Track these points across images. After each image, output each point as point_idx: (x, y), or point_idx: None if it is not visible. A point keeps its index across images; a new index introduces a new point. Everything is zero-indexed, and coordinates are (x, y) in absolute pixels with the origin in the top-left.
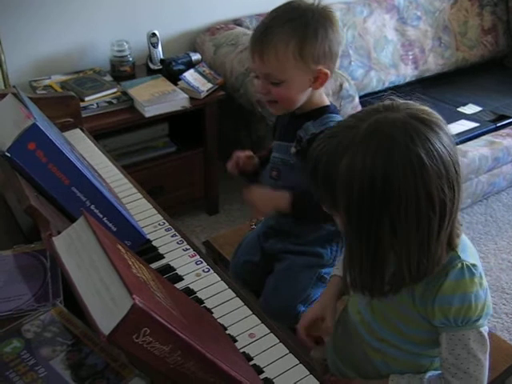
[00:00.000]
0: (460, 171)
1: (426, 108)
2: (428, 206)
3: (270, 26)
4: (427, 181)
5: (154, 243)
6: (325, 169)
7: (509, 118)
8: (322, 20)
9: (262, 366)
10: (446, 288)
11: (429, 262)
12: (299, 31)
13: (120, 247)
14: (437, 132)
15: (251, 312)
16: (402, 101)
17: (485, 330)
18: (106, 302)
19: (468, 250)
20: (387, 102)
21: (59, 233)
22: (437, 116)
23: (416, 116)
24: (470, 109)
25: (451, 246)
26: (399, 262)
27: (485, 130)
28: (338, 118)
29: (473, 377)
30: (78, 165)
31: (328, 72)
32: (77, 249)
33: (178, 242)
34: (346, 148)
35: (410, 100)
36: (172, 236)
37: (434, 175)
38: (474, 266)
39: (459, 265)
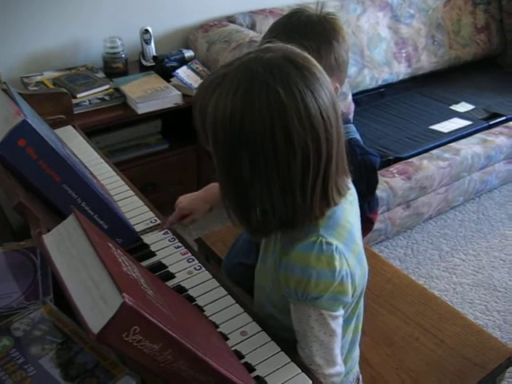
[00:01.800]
0: (333, 124)
1: (306, 55)
2: (287, 150)
3: None
4: (285, 122)
5: (145, 241)
6: (200, 107)
7: (501, 116)
8: (324, 33)
9: (253, 364)
10: (292, 256)
11: (297, 211)
12: None
13: (110, 245)
14: (305, 76)
15: (243, 310)
16: (282, 44)
17: (329, 315)
18: (95, 300)
19: (336, 229)
20: (269, 44)
21: (49, 230)
22: (314, 63)
23: (289, 58)
24: (463, 107)
25: (329, 202)
26: (263, 203)
27: (477, 128)
28: (352, 128)
29: (316, 356)
30: (69, 162)
31: (337, 86)
32: (67, 246)
33: (169, 240)
34: (216, 86)
35: (402, 97)
36: (164, 233)
37: (293, 117)
38: (328, 243)
39: (313, 238)
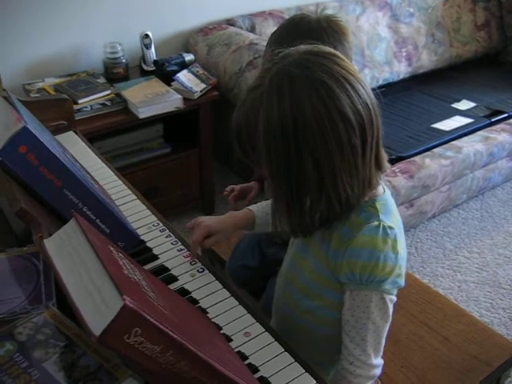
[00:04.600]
0: (369, 90)
1: (318, 45)
2: (347, 129)
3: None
4: (337, 102)
5: (148, 244)
6: (246, 132)
7: (503, 113)
8: (336, 36)
9: (257, 365)
10: (358, 241)
11: (359, 186)
12: None
13: (111, 248)
14: (331, 58)
15: (246, 311)
16: (296, 47)
17: (389, 298)
18: (97, 304)
19: (391, 216)
20: (283, 52)
21: (51, 235)
22: (329, 49)
23: (312, 52)
24: (464, 105)
25: (381, 167)
26: (327, 192)
27: (479, 125)
28: None
29: (369, 345)
30: (70, 167)
31: None
32: (68, 251)
33: (172, 243)
34: (260, 105)
35: (403, 97)
36: (166, 237)
37: (341, 94)
38: (390, 227)
39: (376, 223)
